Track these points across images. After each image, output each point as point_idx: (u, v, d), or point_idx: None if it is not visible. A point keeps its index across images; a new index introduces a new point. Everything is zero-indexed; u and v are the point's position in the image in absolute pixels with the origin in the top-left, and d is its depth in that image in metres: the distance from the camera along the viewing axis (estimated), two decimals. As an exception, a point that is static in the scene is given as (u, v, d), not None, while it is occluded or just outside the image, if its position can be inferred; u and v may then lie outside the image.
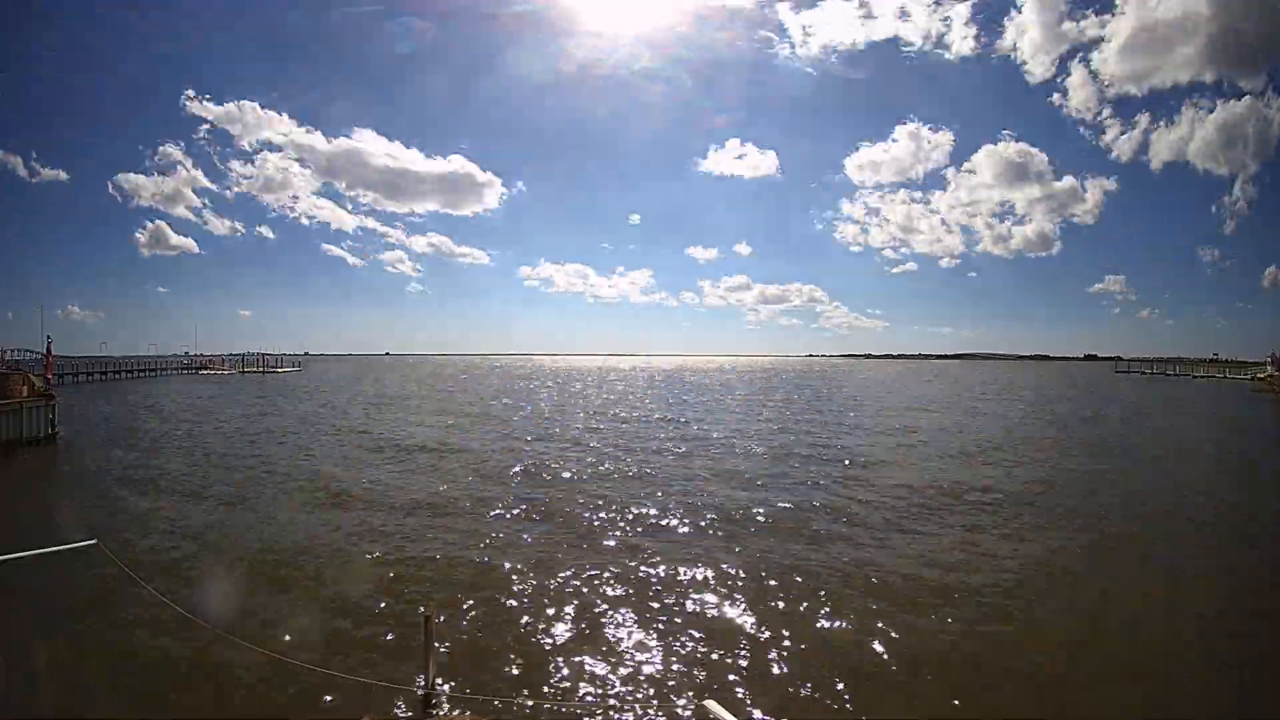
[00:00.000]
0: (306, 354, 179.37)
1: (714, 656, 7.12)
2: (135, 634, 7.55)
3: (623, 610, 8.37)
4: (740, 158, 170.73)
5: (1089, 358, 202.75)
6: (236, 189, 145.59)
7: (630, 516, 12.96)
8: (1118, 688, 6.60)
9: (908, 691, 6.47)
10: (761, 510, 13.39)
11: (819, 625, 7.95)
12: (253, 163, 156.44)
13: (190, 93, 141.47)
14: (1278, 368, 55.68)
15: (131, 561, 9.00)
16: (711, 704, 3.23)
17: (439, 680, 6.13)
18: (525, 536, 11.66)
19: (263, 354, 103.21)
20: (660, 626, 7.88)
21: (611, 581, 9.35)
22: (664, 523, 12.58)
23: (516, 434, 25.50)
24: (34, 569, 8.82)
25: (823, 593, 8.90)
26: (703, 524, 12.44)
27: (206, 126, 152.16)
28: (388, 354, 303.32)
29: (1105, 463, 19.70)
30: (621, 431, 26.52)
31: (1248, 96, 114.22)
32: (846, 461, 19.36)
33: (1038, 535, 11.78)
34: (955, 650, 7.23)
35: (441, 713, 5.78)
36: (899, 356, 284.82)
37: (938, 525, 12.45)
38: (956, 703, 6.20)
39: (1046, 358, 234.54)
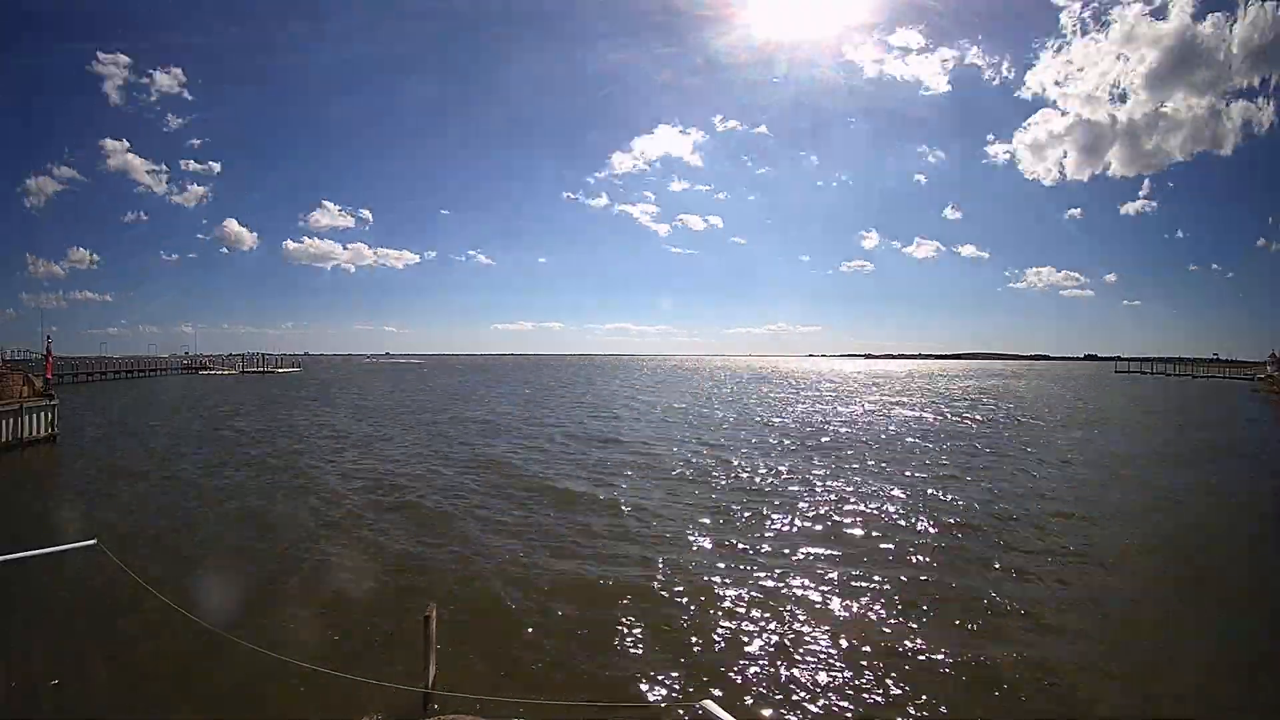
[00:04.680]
0: (306, 354, 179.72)
1: (717, 657, 7.14)
2: (135, 634, 7.56)
3: (625, 608, 8.39)
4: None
5: (1089, 358, 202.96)
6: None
7: (636, 515, 12.98)
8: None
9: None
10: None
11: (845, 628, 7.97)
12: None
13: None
14: (1278, 368, 55.68)
15: (131, 561, 9.01)
16: (710, 704, 3.24)
17: (439, 679, 6.15)
18: (530, 535, 11.67)
19: (263, 354, 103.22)
20: (662, 625, 7.90)
21: (614, 578, 9.38)
22: (671, 521, 12.60)
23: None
24: (34, 569, 8.84)
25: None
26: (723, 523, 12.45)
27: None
28: (387, 354, 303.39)
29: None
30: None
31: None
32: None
33: None
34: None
35: (441, 712, 5.80)
36: (897, 356, 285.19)
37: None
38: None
39: (1046, 358, 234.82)
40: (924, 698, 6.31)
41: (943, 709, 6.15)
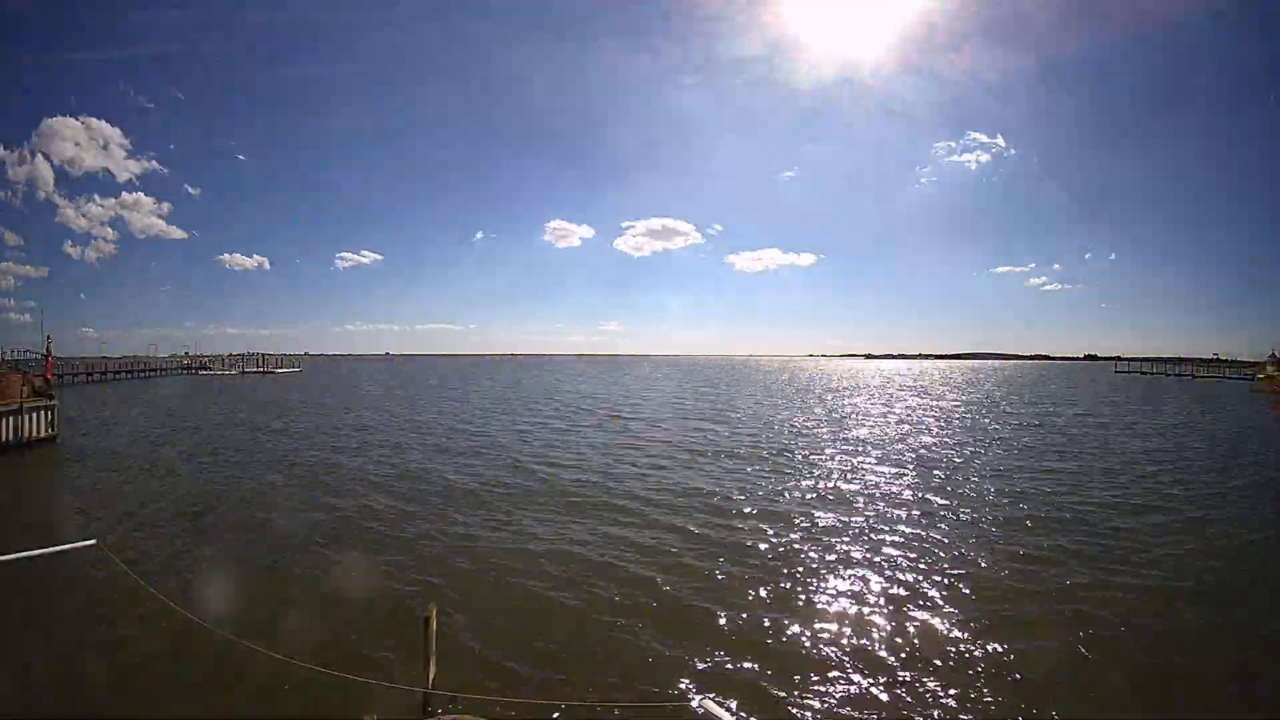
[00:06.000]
0: (306, 354, 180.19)
1: (717, 654, 7.14)
2: (135, 634, 7.56)
3: (624, 609, 8.39)
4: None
5: (1089, 358, 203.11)
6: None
7: (637, 517, 12.98)
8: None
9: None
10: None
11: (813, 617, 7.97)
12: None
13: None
14: (1278, 367, 55.64)
15: (131, 561, 9.03)
16: (709, 704, 3.25)
17: (439, 679, 6.15)
18: (530, 534, 11.68)
19: (263, 354, 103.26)
20: (661, 624, 7.91)
21: (612, 579, 9.38)
22: (675, 520, 12.60)
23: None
24: (34, 569, 8.85)
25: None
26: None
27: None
28: (388, 354, 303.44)
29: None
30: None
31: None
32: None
33: None
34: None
35: (441, 713, 5.81)
36: (898, 356, 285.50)
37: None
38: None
39: (1047, 358, 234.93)
40: (936, 696, 6.32)
41: (951, 708, 6.16)
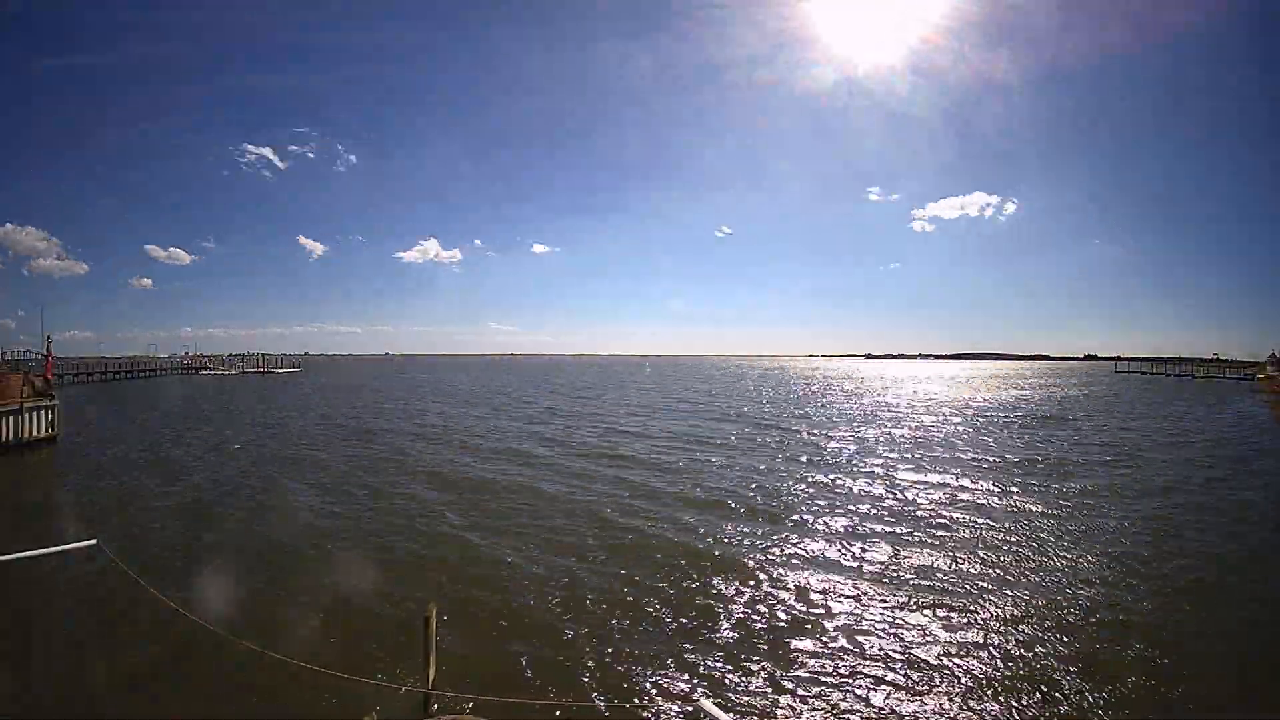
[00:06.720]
0: (306, 354, 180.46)
1: (716, 656, 7.14)
2: (135, 634, 7.56)
3: (622, 610, 8.39)
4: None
5: (1089, 358, 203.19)
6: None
7: (627, 525, 12.99)
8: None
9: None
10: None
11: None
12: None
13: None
14: (1278, 367, 55.65)
15: (131, 561, 9.02)
16: (706, 703, 3.25)
17: (439, 679, 6.15)
18: (529, 534, 11.68)
19: (263, 354, 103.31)
20: (658, 625, 7.91)
21: (611, 580, 9.38)
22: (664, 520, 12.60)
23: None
24: (34, 569, 8.86)
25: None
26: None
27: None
28: (388, 354, 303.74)
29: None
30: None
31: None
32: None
33: None
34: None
35: (441, 712, 5.81)
36: (898, 356, 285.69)
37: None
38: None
39: (1047, 358, 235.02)
40: (931, 696, 6.32)
41: (950, 708, 6.16)
